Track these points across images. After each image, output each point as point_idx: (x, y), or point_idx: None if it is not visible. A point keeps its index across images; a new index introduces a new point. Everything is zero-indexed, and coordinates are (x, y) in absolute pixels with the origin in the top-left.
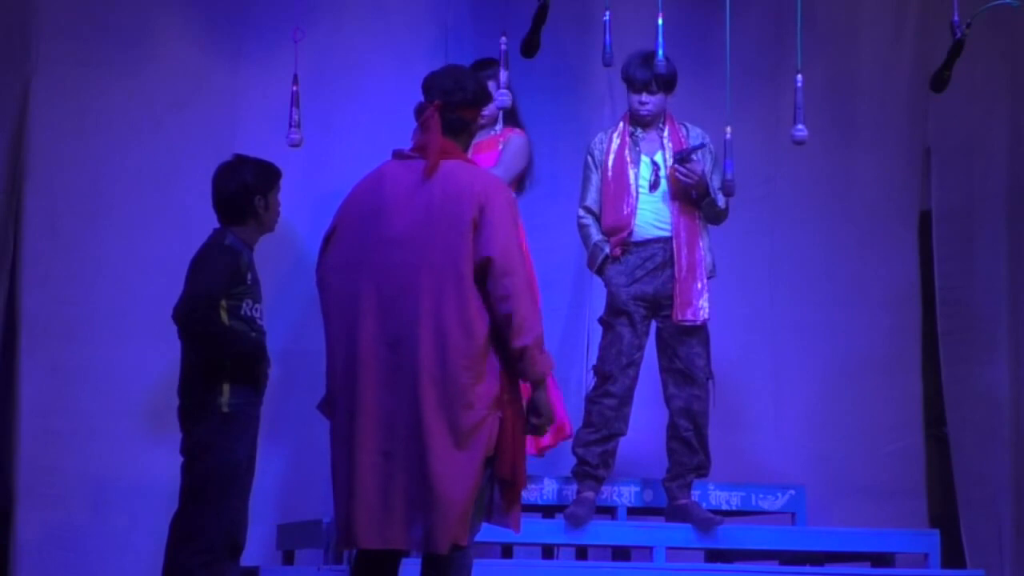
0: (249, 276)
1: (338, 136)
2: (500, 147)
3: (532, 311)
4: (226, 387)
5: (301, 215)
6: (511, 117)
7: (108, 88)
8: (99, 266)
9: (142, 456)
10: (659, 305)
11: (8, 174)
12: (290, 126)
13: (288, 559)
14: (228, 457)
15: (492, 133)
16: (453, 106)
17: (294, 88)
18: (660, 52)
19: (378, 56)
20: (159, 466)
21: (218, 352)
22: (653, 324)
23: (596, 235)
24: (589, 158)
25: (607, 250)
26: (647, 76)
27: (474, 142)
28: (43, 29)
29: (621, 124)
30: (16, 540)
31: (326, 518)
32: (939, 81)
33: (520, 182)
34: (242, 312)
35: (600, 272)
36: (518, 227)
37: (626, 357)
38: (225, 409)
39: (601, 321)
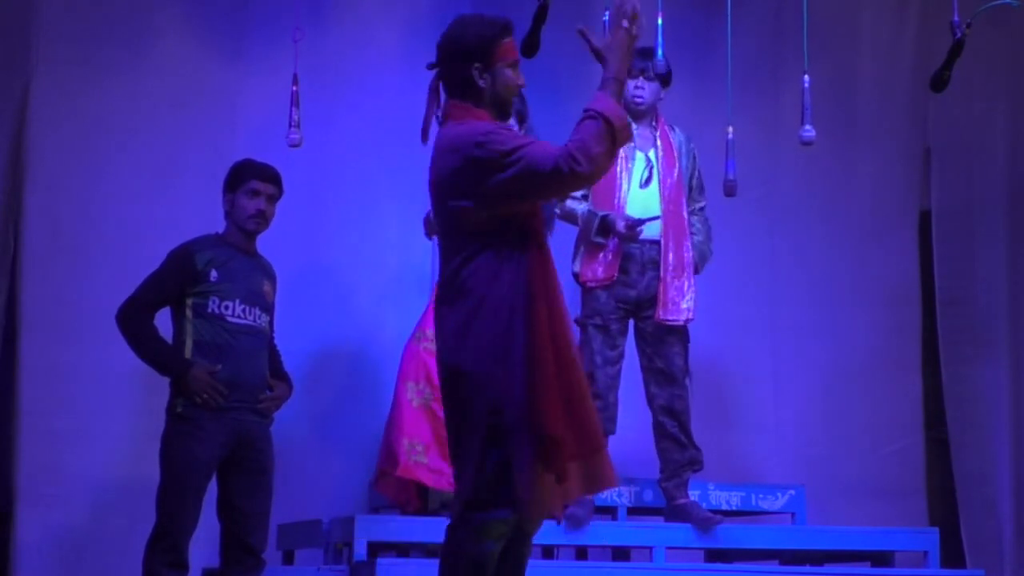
0: (214, 273)
1: (338, 136)
2: None
3: None
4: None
5: (301, 215)
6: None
7: (108, 88)
8: (99, 266)
9: (142, 456)
10: (641, 306)
11: (8, 174)
12: (290, 126)
13: (288, 559)
14: (180, 457)
15: None
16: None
17: (294, 88)
18: (660, 52)
19: (378, 56)
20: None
21: (137, 355)
22: (630, 321)
23: (583, 207)
24: None
25: (600, 214)
26: (642, 63)
27: None
28: (43, 29)
29: None
30: (16, 540)
31: (326, 518)
32: (939, 81)
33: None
34: (208, 310)
35: (602, 233)
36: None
37: (600, 356)
38: (178, 409)
39: (577, 321)
